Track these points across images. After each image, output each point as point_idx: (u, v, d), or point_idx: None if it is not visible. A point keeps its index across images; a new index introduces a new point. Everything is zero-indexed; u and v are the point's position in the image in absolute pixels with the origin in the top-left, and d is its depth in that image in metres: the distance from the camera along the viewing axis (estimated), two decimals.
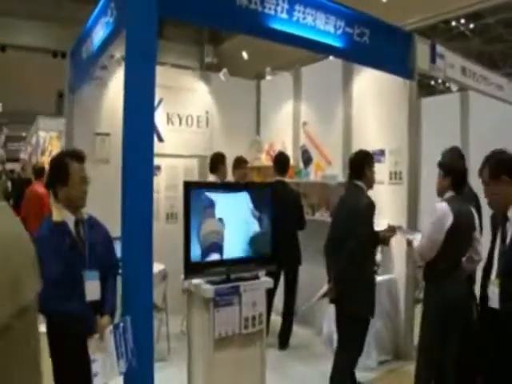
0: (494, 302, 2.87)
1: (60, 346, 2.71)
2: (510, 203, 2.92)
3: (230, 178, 5.79)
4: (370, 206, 3.85)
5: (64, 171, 2.72)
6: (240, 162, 5.77)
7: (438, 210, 3.45)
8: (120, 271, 2.76)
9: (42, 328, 2.85)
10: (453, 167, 3.61)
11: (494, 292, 2.88)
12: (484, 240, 3.59)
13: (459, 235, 3.44)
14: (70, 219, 2.74)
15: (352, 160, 4.07)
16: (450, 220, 3.37)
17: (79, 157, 2.80)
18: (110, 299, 2.81)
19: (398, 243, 4.93)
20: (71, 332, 2.62)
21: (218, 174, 5.57)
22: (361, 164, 3.98)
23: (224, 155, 5.66)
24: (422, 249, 3.54)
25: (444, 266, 3.45)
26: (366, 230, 3.81)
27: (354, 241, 3.70)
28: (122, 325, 2.49)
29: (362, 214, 3.80)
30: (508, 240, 2.90)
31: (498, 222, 3.02)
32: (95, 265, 2.75)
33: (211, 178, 5.60)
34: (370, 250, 3.99)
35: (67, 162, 2.74)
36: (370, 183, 4.03)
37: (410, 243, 3.92)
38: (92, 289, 2.73)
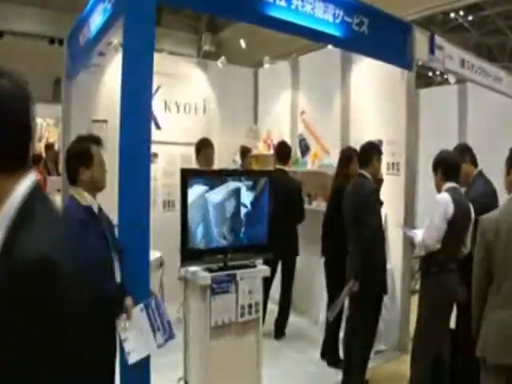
0: None
1: None
2: None
3: (224, 165, 5.76)
4: (375, 193, 3.94)
5: (87, 154, 2.76)
6: (246, 152, 5.80)
7: (440, 201, 3.47)
8: None
9: None
10: (436, 161, 3.64)
11: None
12: None
13: (458, 226, 3.47)
14: (94, 204, 2.77)
15: (361, 149, 4.12)
16: (451, 209, 3.40)
17: (98, 140, 2.86)
18: (125, 281, 2.85)
19: (393, 234, 4.95)
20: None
21: (198, 162, 5.26)
22: (371, 153, 4.03)
23: (203, 142, 5.29)
24: (429, 239, 3.49)
25: (443, 257, 3.47)
26: (375, 218, 3.91)
27: (368, 230, 3.78)
28: (153, 301, 2.80)
29: (369, 202, 3.88)
30: None
31: None
32: (115, 248, 2.78)
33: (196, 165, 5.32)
34: (382, 235, 4.08)
35: (89, 145, 2.79)
36: (376, 174, 4.08)
37: (412, 244, 4.04)
38: (117, 271, 2.77)
